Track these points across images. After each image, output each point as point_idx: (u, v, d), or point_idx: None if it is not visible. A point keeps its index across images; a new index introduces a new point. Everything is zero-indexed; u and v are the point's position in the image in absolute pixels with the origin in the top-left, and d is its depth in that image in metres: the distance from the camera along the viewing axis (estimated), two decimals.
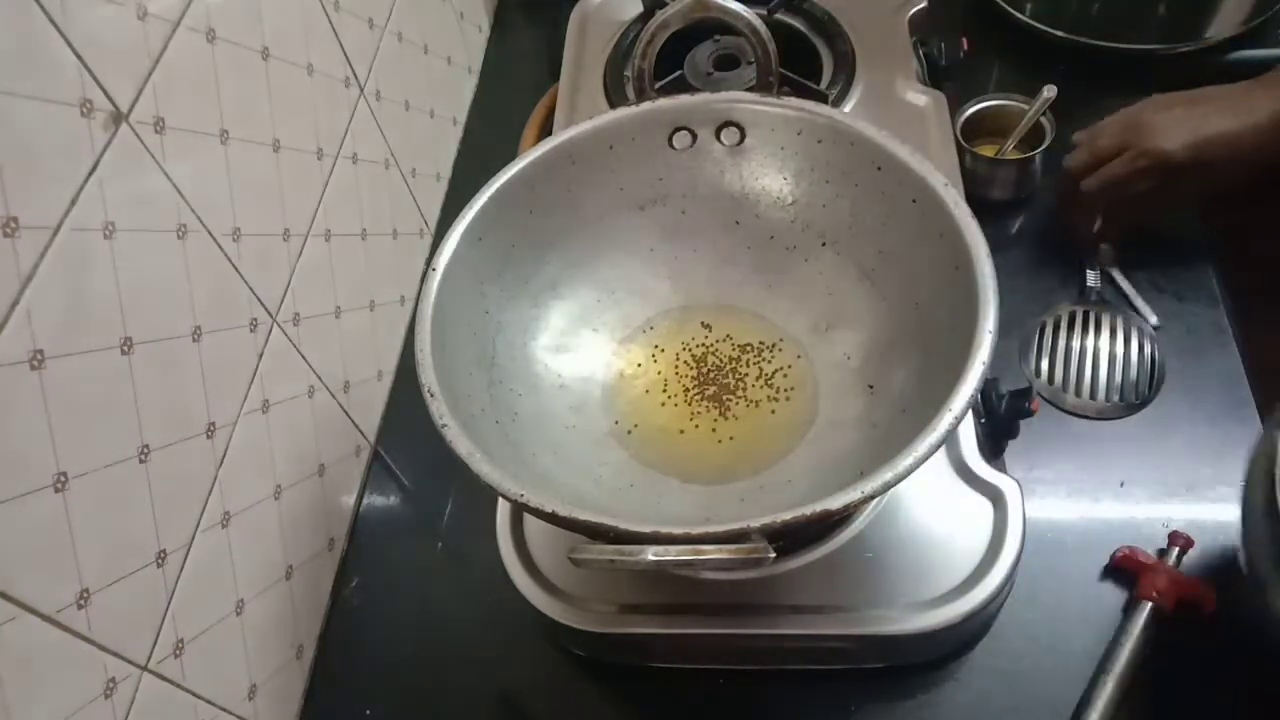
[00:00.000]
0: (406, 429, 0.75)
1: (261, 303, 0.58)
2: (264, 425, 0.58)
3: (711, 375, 0.59)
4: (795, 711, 0.58)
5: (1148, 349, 0.68)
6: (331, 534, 0.68)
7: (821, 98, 0.73)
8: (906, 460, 0.41)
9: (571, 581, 0.56)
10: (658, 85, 0.61)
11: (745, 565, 0.40)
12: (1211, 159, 0.63)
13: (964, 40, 0.82)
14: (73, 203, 0.42)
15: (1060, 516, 0.62)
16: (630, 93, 0.78)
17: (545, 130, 0.85)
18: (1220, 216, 0.73)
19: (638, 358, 0.60)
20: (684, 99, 0.59)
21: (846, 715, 0.57)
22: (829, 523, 0.53)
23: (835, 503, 0.41)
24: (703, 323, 0.61)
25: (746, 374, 0.59)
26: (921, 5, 0.81)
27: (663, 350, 0.60)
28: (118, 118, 0.45)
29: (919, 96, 0.75)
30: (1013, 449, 0.62)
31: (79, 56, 0.43)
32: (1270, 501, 0.46)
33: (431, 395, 0.47)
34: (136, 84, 0.47)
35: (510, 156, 0.58)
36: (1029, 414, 0.59)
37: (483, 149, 0.91)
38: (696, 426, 0.57)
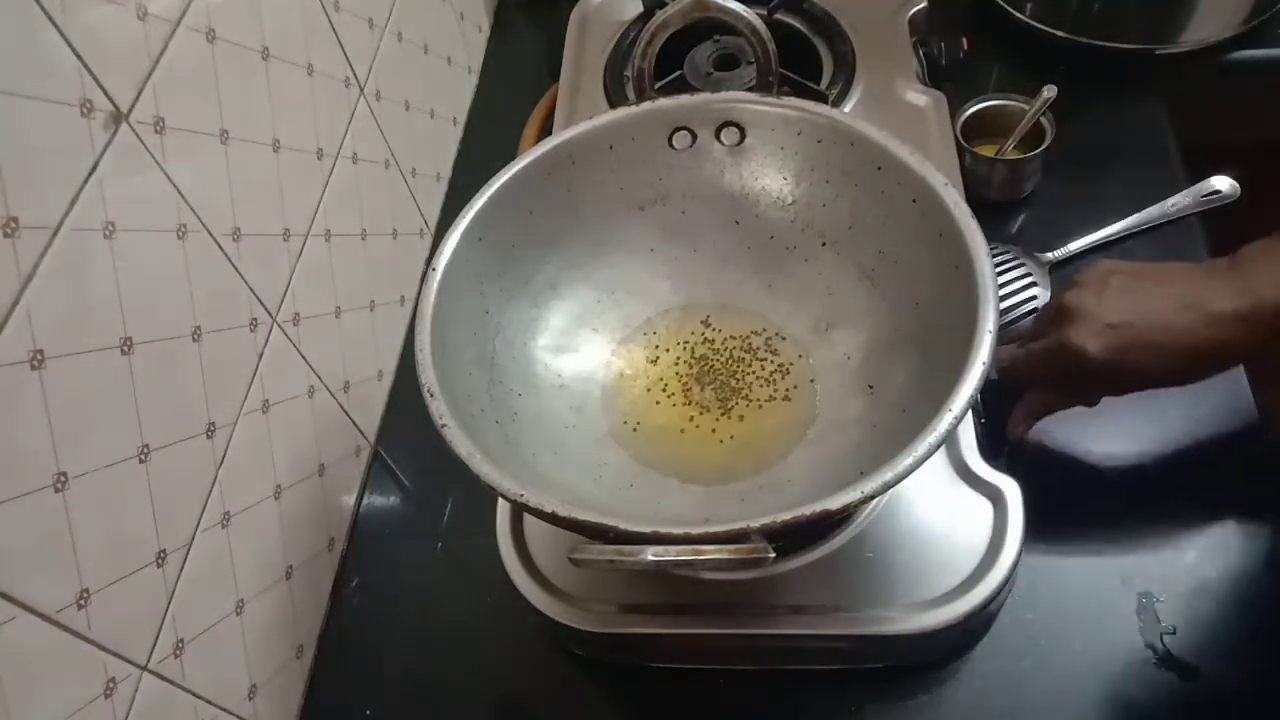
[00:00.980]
0: (406, 429, 0.75)
1: (261, 303, 0.58)
2: (264, 425, 0.58)
3: (711, 375, 0.59)
4: (795, 711, 0.58)
5: None
6: (331, 534, 0.68)
7: (821, 98, 0.73)
8: (906, 460, 0.41)
9: (571, 581, 0.56)
10: (658, 85, 0.61)
11: (745, 565, 0.40)
12: (1134, 365, 0.54)
13: (964, 40, 0.82)
14: (73, 203, 0.42)
15: (1060, 516, 0.62)
16: (630, 93, 0.78)
17: (545, 130, 0.85)
18: None
19: (638, 358, 0.60)
20: (684, 99, 0.59)
21: (846, 715, 0.57)
22: (829, 523, 0.53)
23: (835, 503, 0.41)
24: (703, 323, 0.61)
25: (746, 374, 0.59)
26: (921, 5, 0.81)
27: (663, 350, 0.60)
28: (118, 118, 0.45)
29: (919, 96, 0.75)
30: (1012, 449, 0.62)
31: (79, 56, 0.43)
32: None
33: (431, 395, 0.47)
34: (136, 84, 0.47)
35: (510, 156, 0.58)
36: None
37: (483, 149, 0.91)
38: (696, 427, 0.57)
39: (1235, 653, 0.56)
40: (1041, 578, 0.59)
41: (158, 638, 0.48)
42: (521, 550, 0.57)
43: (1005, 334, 0.62)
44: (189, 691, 0.51)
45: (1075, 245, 0.74)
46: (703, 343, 0.60)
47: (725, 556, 0.40)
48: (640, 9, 0.83)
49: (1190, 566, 0.59)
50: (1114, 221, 0.75)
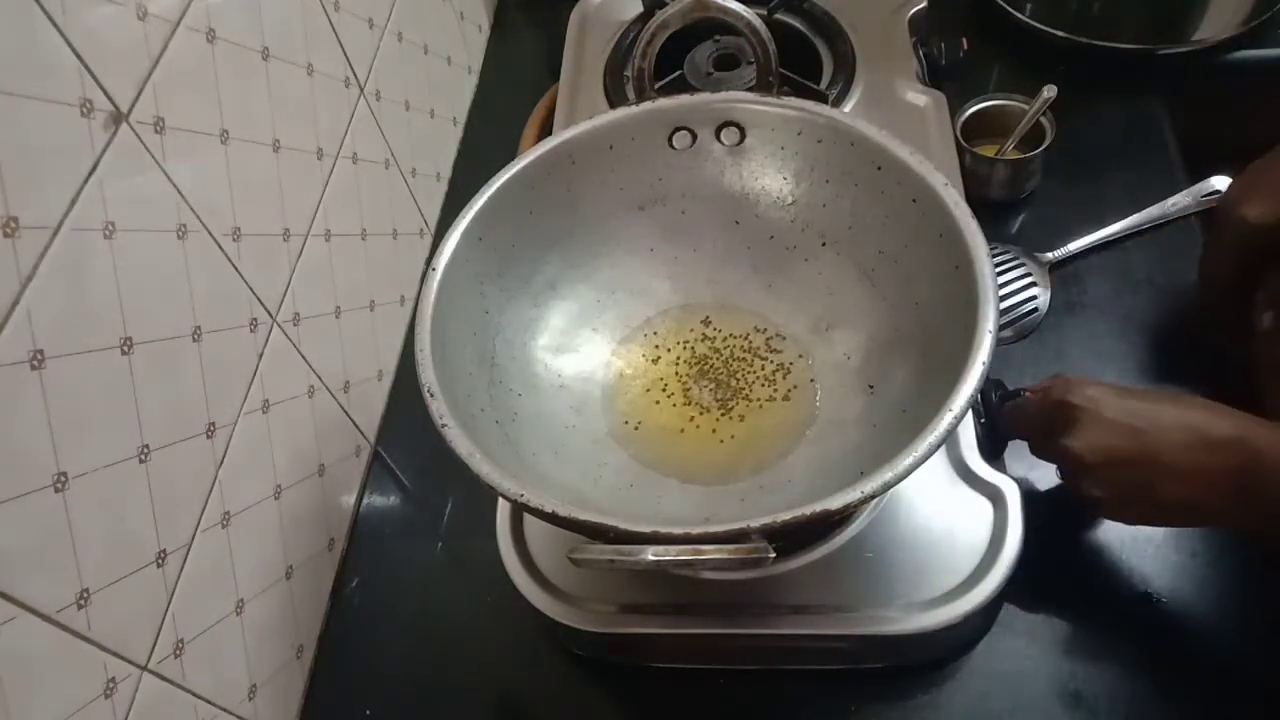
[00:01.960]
0: (406, 429, 0.75)
1: (261, 303, 0.58)
2: (264, 425, 0.58)
3: (711, 375, 0.59)
4: (795, 711, 0.58)
5: None
6: (331, 534, 0.68)
7: (821, 98, 0.73)
8: (906, 460, 0.41)
9: (571, 581, 0.56)
10: (658, 85, 0.61)
11: (745, 565, 0.40)
12: (1119, 464, 0.50)
13: (964, 40, 0.82)
14: (73, 203, 0.42)
15: (1060, 516, 0.62)
16: (630, 93, 0.78)
17: (545, 130, 0.85)
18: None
19: (638, 358, 0.60)
20: (684, 99, 0.59)
21: (846, 715, 0.57)
22: (829, 523, 0.53)
23: (835, 503, 0.41)
24: (702, 322, 0.61)
25: (746, 374, 0.59)
26: (921, 5, 0.81)
27: (663, 350, 0.60)
28: (118, 118, 0.45)
29: (919, 96, 0.75)
30: (1012, 448, 0.62)
31: (79, 56, 0.43)
32: None
33: (431, 395, 0.47)
34: (136, 84, 0.47)
35: (510, 156, 0.58)
36: None
37: (483, 149, 0.91)
38: (696, 427, 0.57)
39: (1235, 653, 0.56)
40: (1041, 578, 0.59)
41: (158, 638, 0.48)
42: (521, 550, 0.57)
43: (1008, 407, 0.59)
44: (189, 692, 0.51)
45: (1075, 245, 0.74)
46: (703, 343, 0.60)
47: (725, 556, 0.40)
48: (640, 9, 0.83)
49: (1191, 567, 0.59)
50: (1114, 221, 0.75)
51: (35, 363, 0.40)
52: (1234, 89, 0.85)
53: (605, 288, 0.61)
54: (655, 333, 0.61)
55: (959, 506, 0.56)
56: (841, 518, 0.54)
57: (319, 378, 0.65)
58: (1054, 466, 0.56)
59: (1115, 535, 0.61)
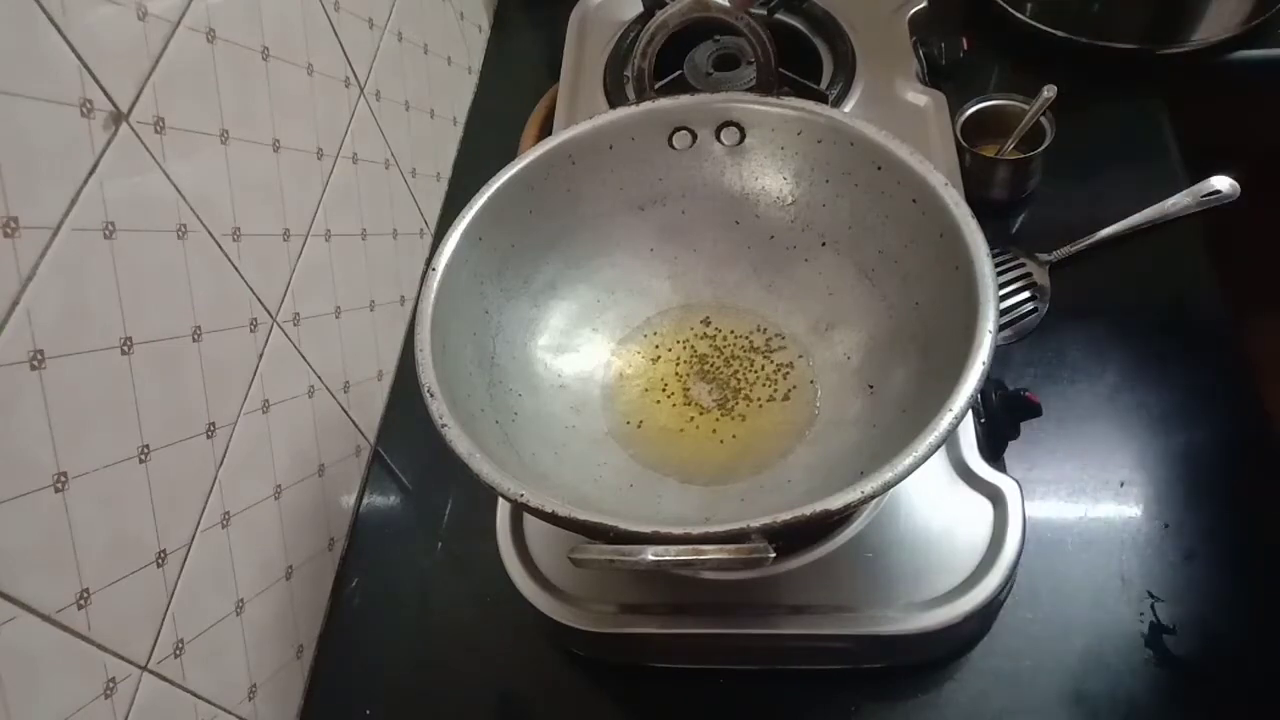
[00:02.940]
0: (406, 429, 0.75)
1: (261, 303, 0.58)
2: (264, 425, 0.58)
3: (711, 375, 0.59)
4: (795, 711, 0.58)
5: None
6: (331, 534, 0.68)
7: (821, 98, 0.73)
8: (907, 460, 0.41)
9: (571, 581, 0.56)
10: (657, 85, 0.61)
11: (745, 565, 0.40)
12: None
13: (964, 40, 0.82)
14: (73, 203, 0.42)
15: (1060, 516, 0.62)
16: (630, 93, 0.78)
17: (545, 130, 0.85)
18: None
19: (638, 358, 0.60)
20: (684, 99, 0.59)
21: (846, 715, 0.57)
22: (829, 523, 0.53)
23: (835, 503, 0.41)
24: (702, 322, 0.61)
25: (746, 374, 0.59)
26: (921, 5, 0.81)
27: (662, 350, 0.60)
28: (118, 118, 0.45)
29: (919, 96, 0.75)
30: (1013, 449, 0.62)
31: (79, 56, 0.43)
32: None
33: (431, 395, 0.47)
34: (137, 84, 0.47)
35: (510, 156, 0.58)
36: (1036, 414, 0.59)
37: (483, 149, 0.91)
38: (696, 427, 0.57)
39: (1235, 653, 0.56)
40: (1041, 578, 0.59)
41: (158, 638, 0.48)
42: (521, 550, 0.57)
43: None
44: (189, 692, 0.51)
45: (1075, 245, 0.74)
46: (703, 342, 0.60)
47: (725, 556, 0.40)
48: (640, 9, 0.83)
49: (1190, 567, 0.59)
50: (1114, 221, 0.75)
51: (35, 363, 0.40)
52: (1234, 89, 0.85)
53: (605, 288, 0.61)
54: (655, 333, 0.61)
55: (959, 506, 0.56)
56: (841, 518, 0.54)
57: (319, 378, 0.65)
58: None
59: (1115, 535, 0.61)
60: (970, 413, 0.56)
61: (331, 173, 0.66)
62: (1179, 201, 0.75)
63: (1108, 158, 0.80)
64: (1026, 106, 0.75)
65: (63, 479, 0.42)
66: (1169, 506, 0.62)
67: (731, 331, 0.61)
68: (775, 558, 0.40)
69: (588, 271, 0.61)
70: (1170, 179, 0.77)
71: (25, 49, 0.40)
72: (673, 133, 0.59)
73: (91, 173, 0.43)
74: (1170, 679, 0.56)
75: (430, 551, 0.68)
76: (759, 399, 0.57)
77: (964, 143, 0.76)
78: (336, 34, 0.67)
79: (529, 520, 0.58)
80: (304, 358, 0.63)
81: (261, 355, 0.58)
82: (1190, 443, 0.64)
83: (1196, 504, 0.62)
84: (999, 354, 0.45)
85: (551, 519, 0.43)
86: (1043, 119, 0.75)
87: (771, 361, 0.59)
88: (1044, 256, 0.74)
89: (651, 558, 0.40)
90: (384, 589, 0.67)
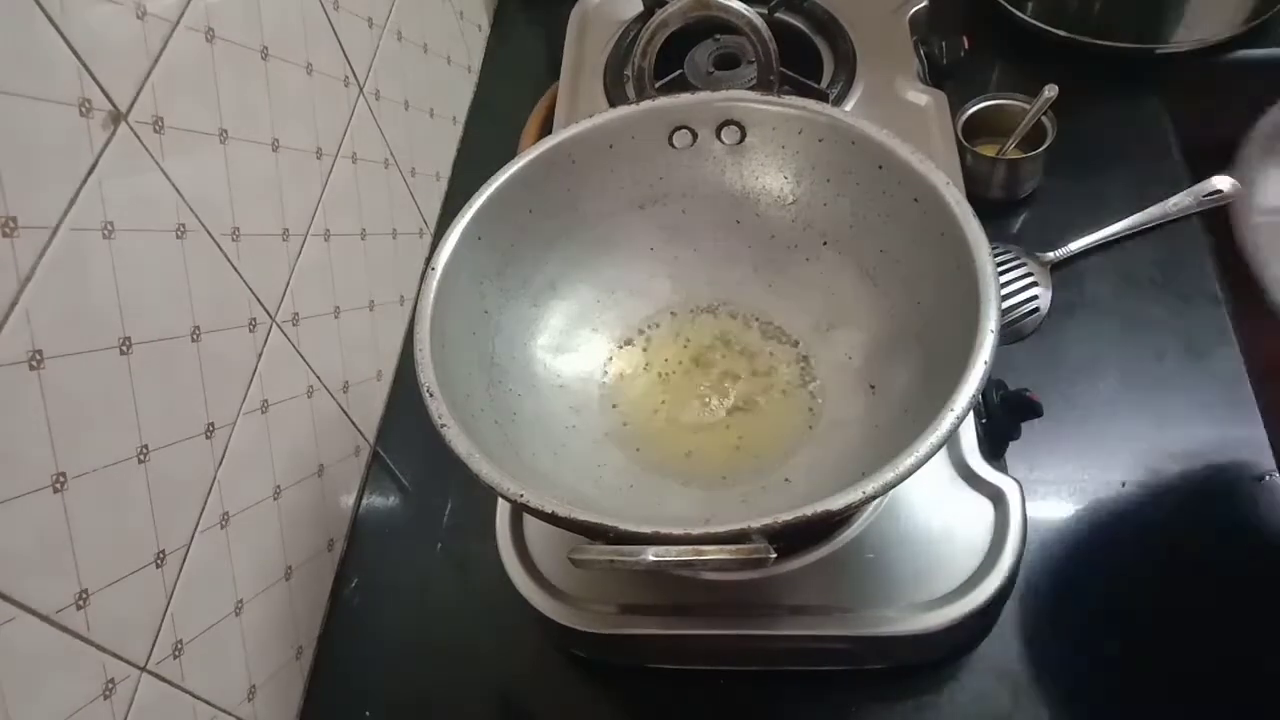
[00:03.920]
0: (406, 429, 0.74)
1: (260, 302, 0.58)
2: (263, 425, 0.58)
3: (712, 375, 0.59)
4: (795, 712, 0.58)
5: None
6: (331, 534, 0.67)
7: (822, 97, 0.73)
8: (908, 460, 0.41)
9: (571, 582, 0.56)
10: (658, 84, 0.61)
11: (746, 566, 0.40)
12: None
13: (965, 39, 0.82)
14: (71, 202, 0.42)
15: (1061, 517, 0.62)
16: (630, 92, 0.78)
17: (545, 130, 0.85)
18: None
19: (637, 358, 0.60)
20: (684, 98, 0.59)
21: (846, 716, 0.57)
22: (830, 523, 0.53)
23: (836, 503, 0.41)
24: (703, 322, 0.61)
25: (747, 374, 0.58)
26: (922, 4, 0.81)
27: (663, 350, 0.60)
28: (117, 117, 0.45)
29: (920, 96, 0.75)
30: (1013, 449, 0.62)
31: (78, 56, 0.43)
32: None
33: (431, 395, 0.47)
34: (135, 83, 0.47)
35: (510, 156, 0.58)
36: (1037, 414, 0.59)
37: (483, 149, 0.91)
38: (697, 427, 0.57)
39: (1237, 654, 0.56)
40: (1041, 578, 0.59)
41: (157, 638, 0.48)
42: (521, 550, 0.57)
43: None
44: (188, 692, 0.51)
45: (1076, 245, 0.74)
46: (703, 342, 0.60)
47: (726, 557, 0.40)
48: (640, 8, 0.83)
49: (1191, 567, 0.59)
50: (1115, 221, 0.75)
51: (34, 363, 0.40)
52: (1234, 89, 0.85)
53: (605, 287, 0.61)
54: (655, 333, 0.61)
55: (960, 507, 0.56)
56: (842, 518, 0.54)
57: (318, 378, 0.65)
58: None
59: (1116, 535, 0.61)
60: (971, 413, 0.56)
61: (330, 172, 0.66)
62: (1179, 201, 0.75)
63: (1108, 157, 0.79)
64: (1027, 106, 0.75)
65: (62, 479, 0.41)
66: (1169, 507, 0.62)
67: (732, 331, 0.60)
68: (776, 558, 0.40)
69: (588, 271, 0.61)
70: (1171, 179, 0.77)
71: (24, 48, 0.40)
72: (673, 132, 0.59)
73: (90, 172, 0.43)
74: (1171, 679, 0.55)
75: (430, 552, 0.68)
76: (760, 399, 0.57)
77: (965, 142, 0.76)
78: (336, 33, 0.67)
79: (529, 521, 0.58)
80: (303, 358, 0.63)
81: (260, 355, 0.58)
82: (1190, 443, 0.64)
83: (1196, 504, 0.62)
84: (1000, 354, 0.44)
85: (551, 519, 0.43)
86: (1044, 118, 0.75)
87: (772, 361, 0.59)
88: (1044, 256, 0.74)
89: (652, 558, 0.39)
90: (384, 589, 0.67)
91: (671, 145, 0.59)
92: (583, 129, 0.58)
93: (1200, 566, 0.59)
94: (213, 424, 0.53)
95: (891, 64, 0.77)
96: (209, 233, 0.52)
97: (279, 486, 0.60)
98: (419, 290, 0.52)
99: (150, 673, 0.48)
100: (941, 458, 0.57)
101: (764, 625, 0.54)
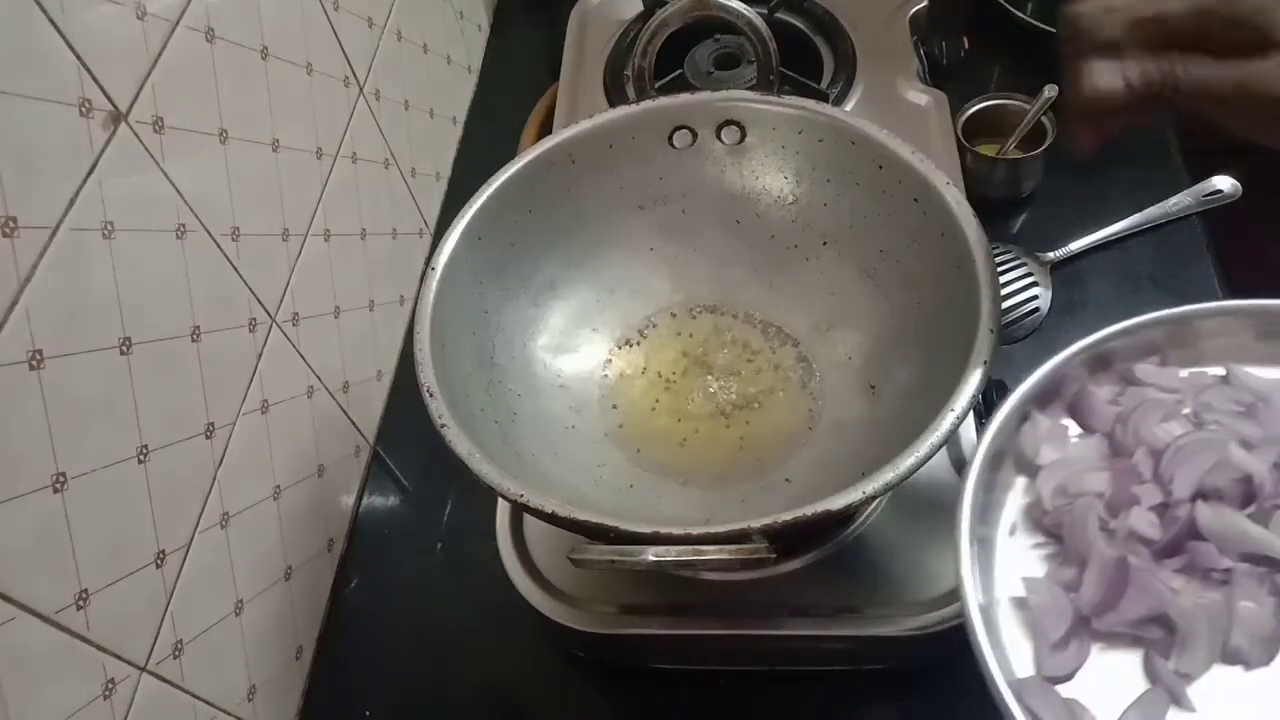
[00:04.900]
0: (406, 429, 0.74)
1: (260, 303, 0.58)
2: (263, 425, 0.58)
3: (712, 375, 0.59)
4: (796, 712, 0.58)
5: None
6: (331, 534, 0.67)
7: (822, 97, 0.73)
8: (908, 460, 0.41)
9: (571, 582, 0.56)
10: (658, 84, 0.61)
11: (746, 566, 0.40)
12: None
13: (965, 39, 0.82)
14: (71, 203, 0.42)
15: None
16: (630, 92, 0.78)
17: (545, 130, 0.85)
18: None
19: (638, 357, 0.60)
20: (684, 98, 0.59)
21: (846, 716, 0.57)
22: (830, 523, 0.52)
23: (836, 503, 0.41)
24: (703, 322, 0.61)
25: (747, 374, 0.58)
26: (922, 4, 0.80)
27: (662, 350, 0.60)
28: (116, 117, 0.45)
29: (920, 95, 0.74)
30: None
31: (78, 56, 0.43)
32: None
33: (431, 395, 0.47)
34: (135, 83, 0.47)
35: (510, 156, 0.58)
36: None
37: (483, 149, 0.91)
38: (697, 428, 0.57)
39: None
40: None
41: (156, 638, 0.48)
42: (521, 550, 0.57)
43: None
44: (188, 693, 0.51)
45: (1076, 245, 0.74)
46: (703, 343, 0.60)
47: (726, 557, 0.40)
48: (640, 8, 0.83)
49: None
50: (1115, 221, 0.75)
51: (34, 363, 0.40)
52: None
53: (605, 287, 0.61)
54: (655, 332, 0.61)
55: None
56: (843, 518, 0.54)
57: (318, 378, 0.65)
58: None
59: None
60: (972, 413, 0.55)
61: (330, 172, 0.66)
62: (1179, 201, 0.75)
63: (1108, 158, 0.79)
64: (1027, 106, 0.75)
65: (61, 479, 0.41)
66: None
67: (732, 331, 0.60)
68: (776, 558, 0.40)
69: (587, 271, 0.61)
70: (1171, 179, 0.77)
71: (24, 48, 0.40)
72: (673, 131, 0.59)
73: (90, 172, 0.43)
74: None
75: (430, 552, 0.68)
76: (760, 399, 0.57)
77: (965, 142, 0.76)
78: (336, 33, 0.67)
79: (529, 521, 0.58)
80: (303, 358, 0.63)
81: (260, 355, 0.58)
82: None
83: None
84: (1000, 354, 0.44)
85: (551, 519, 0.42)
86: (1044, 118, 0.75)
87: (772, 361, 0.59)
88: (1045, 256, 0.74)
89: (652, 558, 0.39)
90: (383, 589, 0.67)
91: (671, 145, 0.59)
92: (583, 129, 0.58)
93: None
94: (213, 424, 0.53)
95: (891, 64, 0.77)
96: (209, 233, 0.52)
97: (279, 486, 0.60)
98: (419, 290, 0.52)
99: (150, 673, 0.48)
100: (942, 457, 0.57)
101: (764, 625, 0.54)
